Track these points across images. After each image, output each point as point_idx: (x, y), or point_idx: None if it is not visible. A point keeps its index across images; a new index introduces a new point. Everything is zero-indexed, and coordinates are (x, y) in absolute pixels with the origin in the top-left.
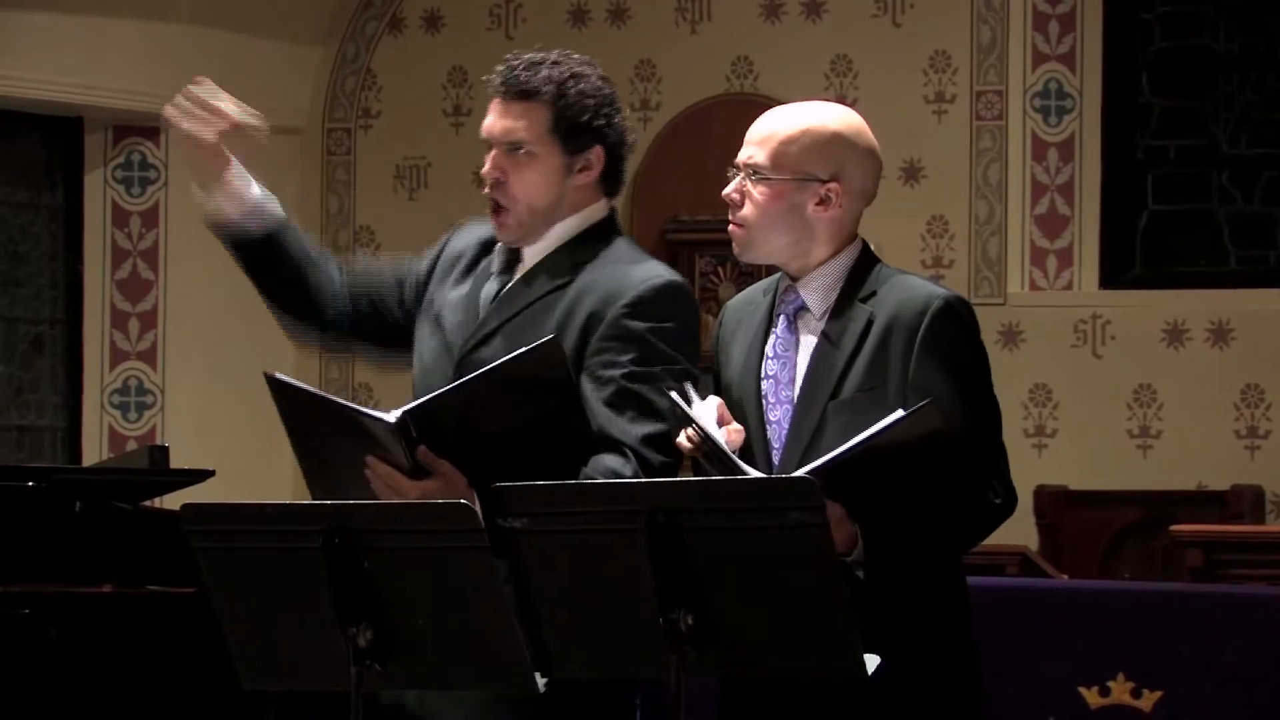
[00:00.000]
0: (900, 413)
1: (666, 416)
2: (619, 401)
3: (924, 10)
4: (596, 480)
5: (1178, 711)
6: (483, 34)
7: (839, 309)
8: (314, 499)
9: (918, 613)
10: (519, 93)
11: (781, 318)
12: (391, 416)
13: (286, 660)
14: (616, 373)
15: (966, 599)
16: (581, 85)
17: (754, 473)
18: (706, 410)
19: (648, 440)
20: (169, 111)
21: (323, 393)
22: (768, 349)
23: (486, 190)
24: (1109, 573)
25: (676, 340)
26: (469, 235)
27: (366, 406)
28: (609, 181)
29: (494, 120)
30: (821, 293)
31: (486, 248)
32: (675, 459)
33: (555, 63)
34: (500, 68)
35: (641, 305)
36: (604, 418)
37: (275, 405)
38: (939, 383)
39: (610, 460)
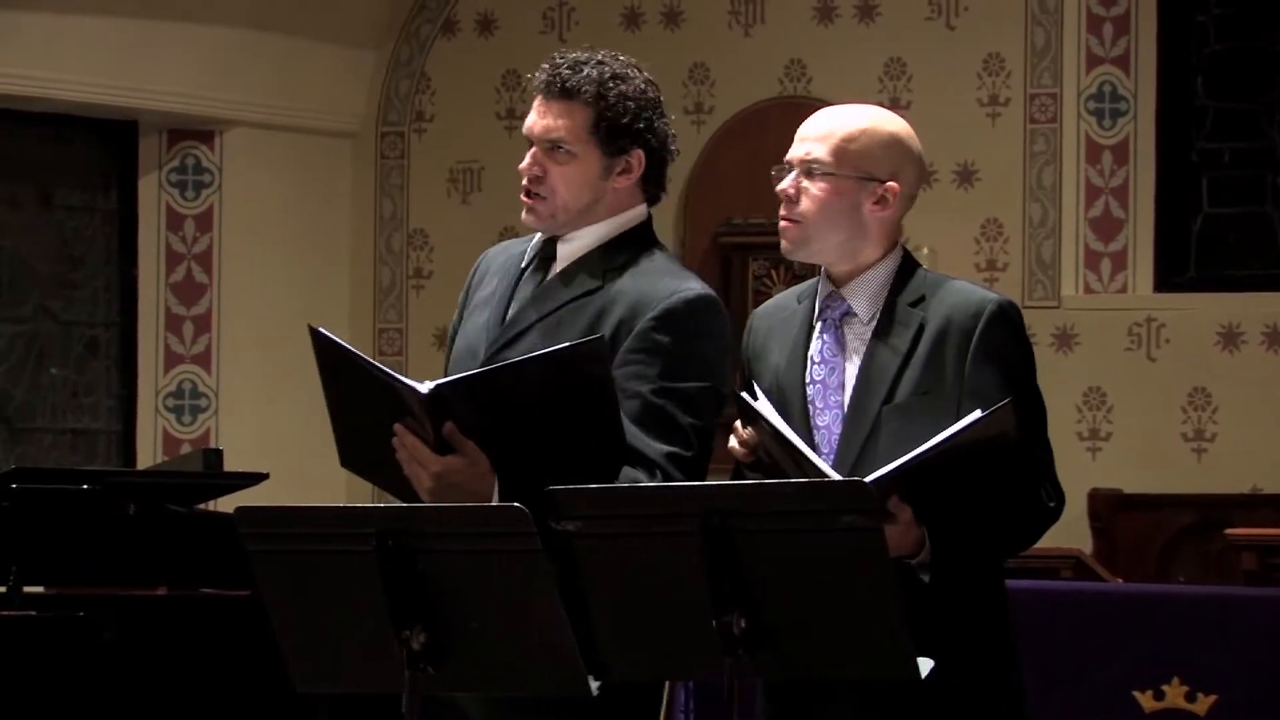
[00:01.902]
0: (979, 413)
1: (690, 434)
2: (645, 418)
3: (978, 13)
4: (648, 484)
5: (1232, 715)
6: (536, 37)
7: (887, 314)
8: (341, 459)
9: (970, 615)
10: (561, 91)
11: (826, 323)
12: (424, 388)
13: (340, 663)
14: (643, 387)
15: (1007, 601)
16: (623, 87)
17: (826, 466)
18: (765, 410)
19: (672, 458)
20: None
21: (363, 355)
22: (812, 354)
23: (524, 184)
24: (1163, 576)
25: (705, 357)
26: (501, 246)
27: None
28: (650, 186)
29: (535, 119)
30: (868, 298)
31: (511, 260)
32: (698, 478)
33: (600, 63)
34: (545, 66)
35: (670, 318)
36: (629, 433)
37: (316, 361)
38: (995, 386)
39: (637, 474)
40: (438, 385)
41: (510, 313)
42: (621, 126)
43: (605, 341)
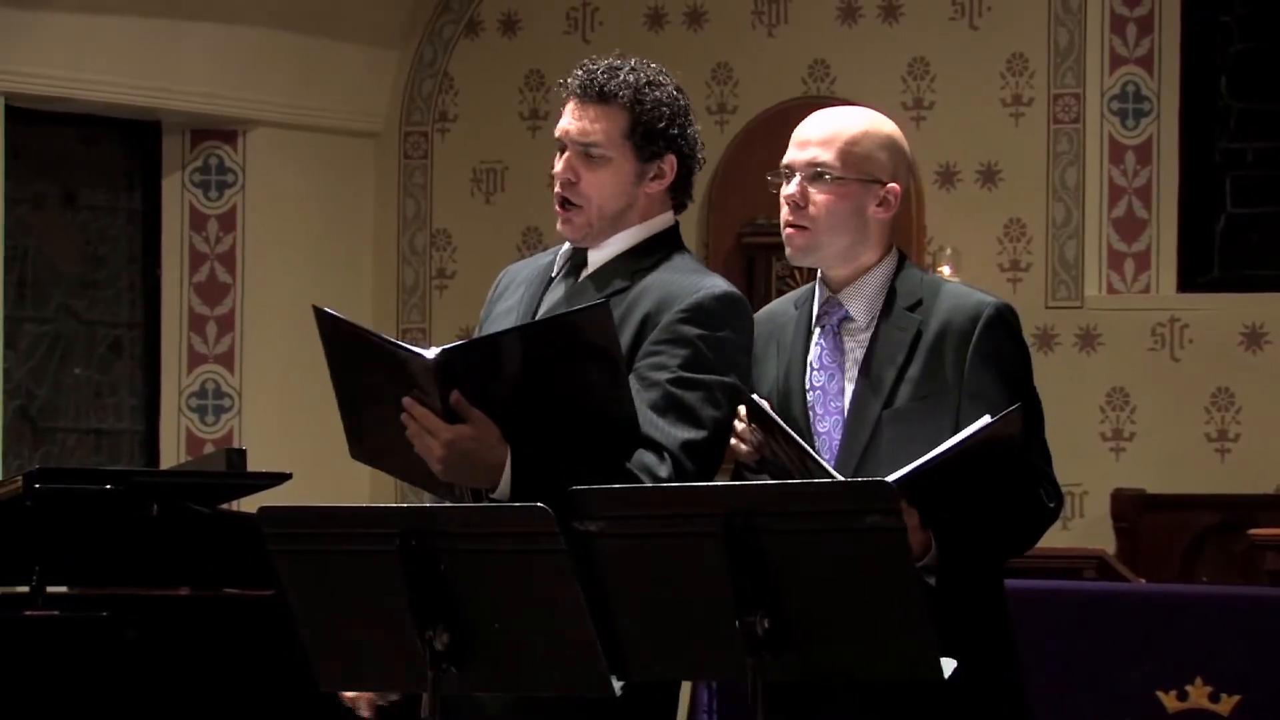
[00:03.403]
0: (988, 418)
1: (707, 425)
2: (664, 405)
3: (1001, 13)
4: (672, 484)
5: (1257, 716)
6: (559, 37)
7: (885, 318)
8: (351, 451)
9: (972, 617)
10: (597, 95)
11: (825, 329)
12: (431, 354)
13: (363, 663)
14: (663, 376)
15: (1007, 602)
16: (658, 93)
17: (835, 472)
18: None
19: (686, 446)
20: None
21: (366, 327)
22: (811, 360)
23: (557, 189)
24: (1187, 577)
25: (729, 352)
26: (520, 264)
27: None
28: (678, 192)
29: (570, 121)
30: (865, 303)
31: (537, 271)
32: (712, 467)
33: (634, 69)
34: (578, 71)
35: (698, 312)
36: (646, 420)
37: (321, 341)
38: (993, 388)
39: (648, 458)
40: (444, 350)
41: (539, 315)
42: (657, 131)
43: (608, 307)
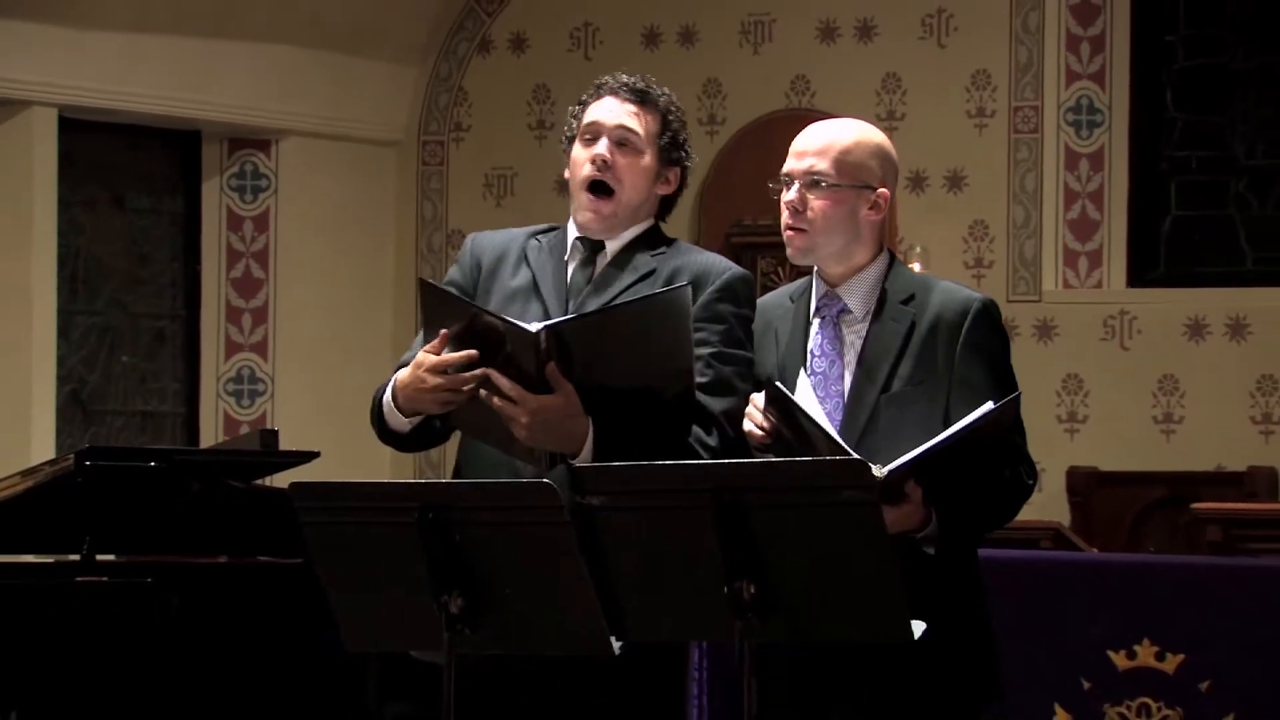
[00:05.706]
0: (990, 405)
1: (741, 395)
2: (711, 375)
3: (966, 32)
4: (666, 462)
5: (1198, 673)
6: (564, 54)
7: (880, 311)
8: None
9: (954, 582)
10: (638, 94)
11: (824, 320)
12: (534, 328)
13: (386, 625)
14: (706, 351)
15: (980, 570)
16: (680, 114)
17: (851, 450)
18: (800, 397)
19: (729, 415)
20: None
21: (472, 301)
22: (812, 348)
23: (590, 172)
24: (1135, 547)
25: (749, 330)
26: (492, 239)
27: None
28: (668, 205)
29: (611, 113)
30: (862, 296)
31: (523, 247)
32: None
33: (657, 85)
34: (609, 79)
35: (730, 291)
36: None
37: (421, 311)
38: (981, 376)
39: (699, 430)
40: (547, 325)
41: (574, 300)
42: (679, 141)
43: (688, 291)
